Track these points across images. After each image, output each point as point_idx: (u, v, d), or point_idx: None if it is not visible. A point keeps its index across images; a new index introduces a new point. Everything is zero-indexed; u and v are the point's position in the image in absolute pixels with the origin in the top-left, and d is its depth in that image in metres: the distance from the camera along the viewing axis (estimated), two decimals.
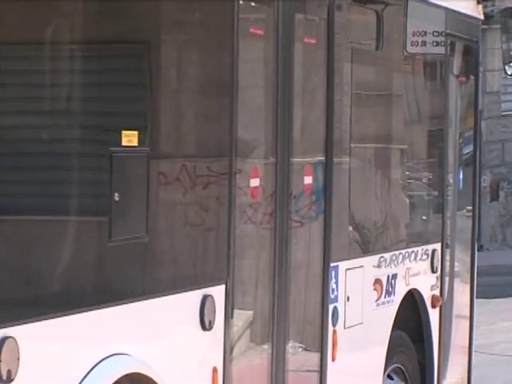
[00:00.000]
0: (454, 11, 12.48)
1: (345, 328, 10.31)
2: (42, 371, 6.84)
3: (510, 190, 35.69)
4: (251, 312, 9.11)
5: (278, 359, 9.40)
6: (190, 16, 8.56)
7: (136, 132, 7.62)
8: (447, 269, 12.68)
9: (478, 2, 13.21)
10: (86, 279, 7.54)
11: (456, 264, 12.86)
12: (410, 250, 11.72)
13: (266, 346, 9.36)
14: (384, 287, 11.13)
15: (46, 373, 6.86)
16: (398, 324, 11.47)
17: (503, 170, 34.35)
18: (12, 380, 6.50)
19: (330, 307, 10.11)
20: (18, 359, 6.49)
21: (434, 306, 12.22)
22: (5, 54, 6.88)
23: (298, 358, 9.80)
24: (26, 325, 6.65)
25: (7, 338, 6.45)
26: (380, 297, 11.07)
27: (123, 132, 7.53)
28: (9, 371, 6.47)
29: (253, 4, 9.03)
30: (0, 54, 6.85)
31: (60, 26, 7.36)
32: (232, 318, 8.61)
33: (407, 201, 12.02)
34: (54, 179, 7.39)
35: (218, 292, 8.37)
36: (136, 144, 7.59)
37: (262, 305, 9.29)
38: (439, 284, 12.36)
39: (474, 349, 13.59)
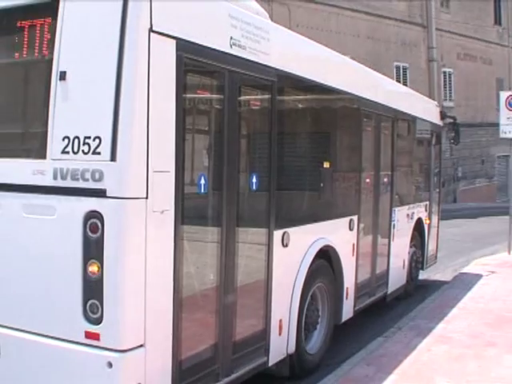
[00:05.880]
0: (433, 122, 12.28)
1: (396, 229, 10.08)
2: (296, 244, 6.56)
3: (448, 184, 34.91)
4: (365, 224, 8.80)
5: (374, 241, 9.27)
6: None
7: (329, 163, 7.47)
8: (431, 209, 12.36)
9: (441, 119, 12.87)
10: (313, 209, 7.49)
11: (433, 208, 12.51)
12: (418, 204, 11.52)
13: (370, 237, 9.17)
14: (410, 216, 10.92)
15: (298, 243, 6.64)
16: (414, 229, 11.23)
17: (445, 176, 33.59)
18: (287, 246, 6.34)
19: (392, 223, 9.93)
20: (289, 239, 6.28)
21: (426, 223, 11.99)
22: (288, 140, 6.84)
23: (382, 240, 9.60)
24: (291, 228, 6.48)
25: (285, 232, 6.24)
26: (408, 219, 10.87)
27: (324, 162, 7.39)
28: (286, 244, 6.33)
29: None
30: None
31: (297, 123, 7.25)
32: (359, 227, 8.47)
33: (414, 186, 11.71)
34: (307, 177, 7.43)
35: (355, 218, 8.31)
36: (328, 166, 7.45)
37: (369, 221, 9.09)
38: (428, 215, 12.12)
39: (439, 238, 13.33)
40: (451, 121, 13.38)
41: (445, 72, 35.55)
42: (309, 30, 23.44)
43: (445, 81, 35.65)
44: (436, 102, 13.81)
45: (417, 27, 33.82)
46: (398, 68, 32.29)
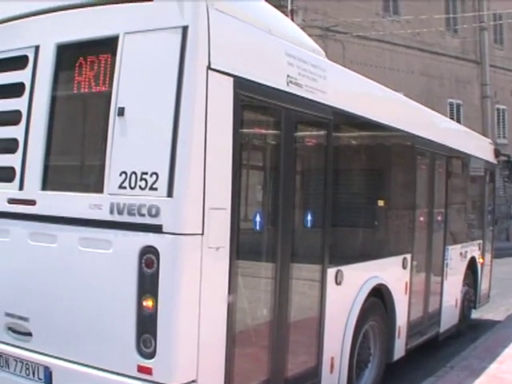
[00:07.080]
0: (487, 160, 12.02)
1: (449, 268, 9.78)
2: (349, 282, 6.45)
3: (501, 222, 34.04)
4: (418, 263, 8.55)
5: (427, 280, 9.05)
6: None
7: (383, 200, 7.33)
8: (484, 248, 12.03)
9: (495, 157, 12.64)
10: (367, 247, 7.34)
11: (486, 247, 12.21)
12: (471, 242, 11.21)
13: (423, 275, 8.92)
14: (463, 255, 10.63)
15: (351, 281, 6.55)
16: (467, 267, 10.93)
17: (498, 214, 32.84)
18: (340, 284, 6.25)
19: (445, 262, 9.64)
20: (343, 277, 6.19)
21: (480, 262, 11.65)
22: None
23: (435, 279, 9.37)
24: (345, 265, 6.36)
25: (339, 270, 6.15)
26: (461, 258, 10.58)
27: (378, 200, 7.26)
28: (339, 282, 6.29)
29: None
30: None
31: (352, 160, 7.08)
32: (413, 265, 8.26)
33: (467, 224, 11.43)
34: (361, 215, 7.35)
35: (409, 256, 8.09)
36: (383, 204, 7.34)
37: (422, 259, 8.83)
38: (481, 254, 11.80)
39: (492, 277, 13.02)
40: (505, 159, 13.21)
41: (498, 109, 35.13)
42: (362, 66, 23.36)
43: (498, 118, 35.22)
44: (490, 140, 13.62)
45: (470, 64, 33.53)
46: (451, 105, 32.01)
